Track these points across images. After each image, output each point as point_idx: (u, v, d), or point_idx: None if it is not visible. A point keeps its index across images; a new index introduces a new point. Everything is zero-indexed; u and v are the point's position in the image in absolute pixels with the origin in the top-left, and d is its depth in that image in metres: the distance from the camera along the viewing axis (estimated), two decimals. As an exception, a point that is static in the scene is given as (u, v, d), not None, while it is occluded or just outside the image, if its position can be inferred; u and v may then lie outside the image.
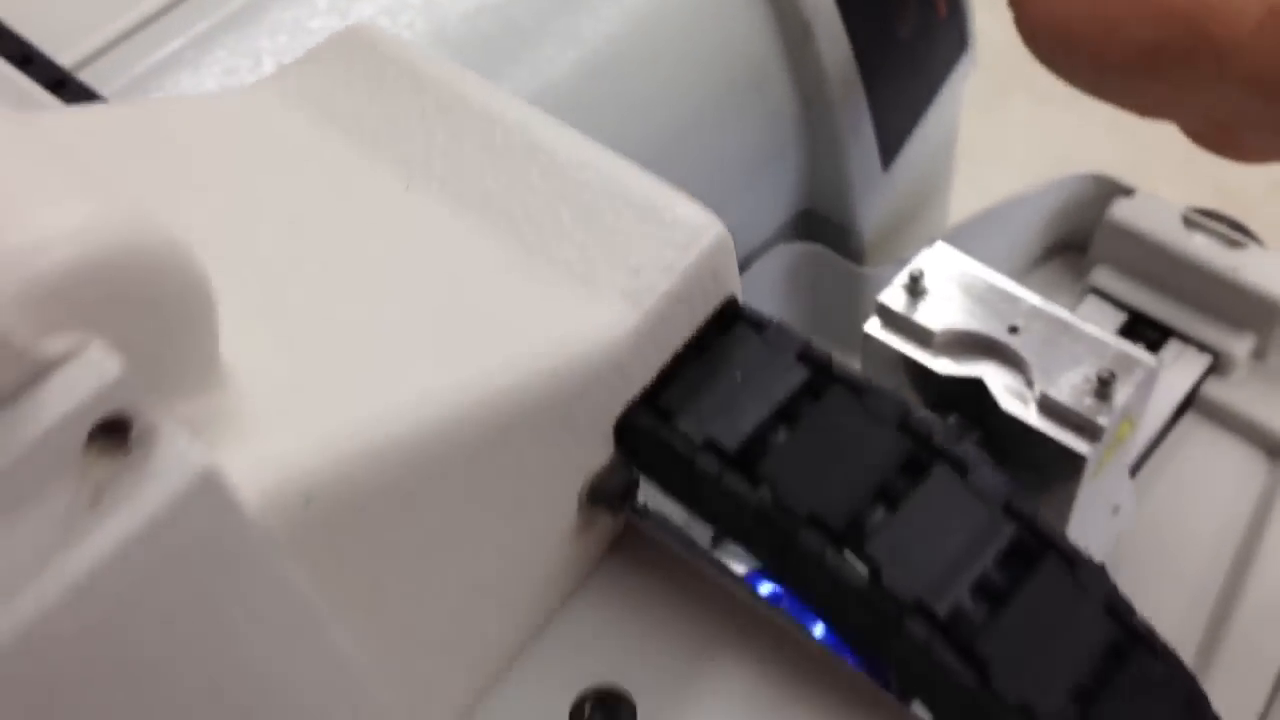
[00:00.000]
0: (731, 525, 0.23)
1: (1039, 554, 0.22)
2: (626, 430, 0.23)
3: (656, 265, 0.22)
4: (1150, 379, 0.34)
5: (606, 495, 0.23)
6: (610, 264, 0.22)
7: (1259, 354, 0.55)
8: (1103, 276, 0.56)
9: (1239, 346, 0.54)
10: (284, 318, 0.20)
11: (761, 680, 0.24)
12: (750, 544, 0.23)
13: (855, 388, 0.23)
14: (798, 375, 0.23)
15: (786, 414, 0.23)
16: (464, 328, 0.21)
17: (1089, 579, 0.22)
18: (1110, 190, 0.57)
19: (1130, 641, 0.22)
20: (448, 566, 0.21)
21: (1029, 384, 0.39)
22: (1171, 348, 0.55)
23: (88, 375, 0.15)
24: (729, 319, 0.24)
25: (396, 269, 0.21)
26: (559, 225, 0.23)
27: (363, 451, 0.18)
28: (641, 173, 0.23)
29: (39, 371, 0.15)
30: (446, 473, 0.20)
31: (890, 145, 0.50)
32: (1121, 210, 0.55)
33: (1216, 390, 0.55)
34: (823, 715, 0.23)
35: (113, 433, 0.16)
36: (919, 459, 0.23)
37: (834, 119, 0.46)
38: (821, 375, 0.23)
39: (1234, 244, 0.56)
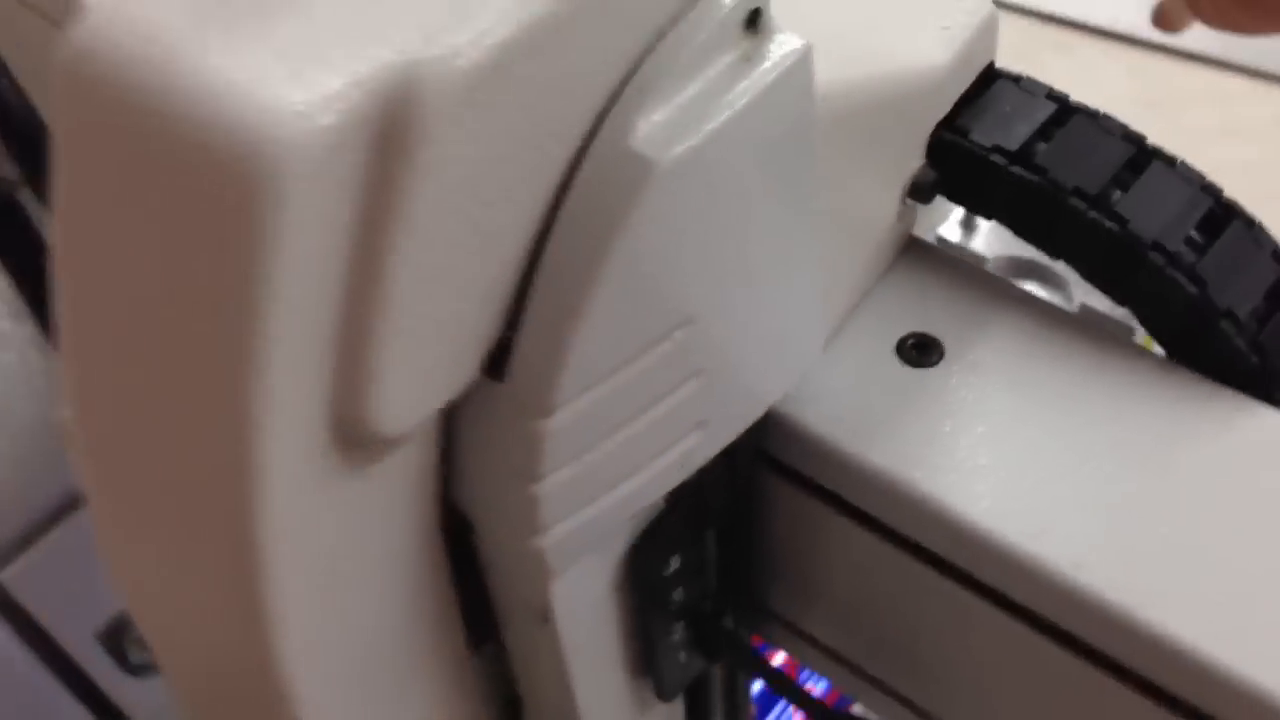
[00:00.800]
0: (1012, 208, 0.35)
1: (1229, 218, 0.35)
2: (936, 142, 0.35)
3: (959, 24, 0.35)
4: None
5: (921, 190, 0.35)
6: (926, 22, 0.35)
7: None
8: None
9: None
10: None
11: (1038, 328, 0.36)
12: (1026, 222, 0.35)
13: (1091, 113, 0.36)
14: (1049, 108, 0.36)
15: (1044, 133, 0.36)
16: (849, 41, 0.33)
17: (1262, 237, 0.35)
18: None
19: (1292, 282, 0.35)
20: (846, 201, 0.33)
21: (1069, 299, 0.53)
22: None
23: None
24: (992, 76, 0.36)
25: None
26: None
27: (840, 83, 0.30)
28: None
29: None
30: (849, 129, 0.32)
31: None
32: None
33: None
34: (1087, 359, 0.35)
35: (752, 22, 0.28)
36: (1139, 158, 0.35)
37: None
38: (1065, 107, 0.36)
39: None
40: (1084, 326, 0.36)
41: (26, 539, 0.65)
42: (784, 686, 0.37)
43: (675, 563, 0.34)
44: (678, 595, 0.35)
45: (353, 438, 0.26)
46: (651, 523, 0.33)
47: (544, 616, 0.32)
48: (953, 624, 0.35)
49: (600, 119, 0.26)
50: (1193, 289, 0.34)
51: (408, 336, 0.25)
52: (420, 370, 0.26)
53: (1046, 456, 0.33)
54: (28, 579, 0.65)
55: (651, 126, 0.26)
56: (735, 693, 0.42)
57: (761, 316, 0.31)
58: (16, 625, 0.65)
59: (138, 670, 0.68)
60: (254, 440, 0.24)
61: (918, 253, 0.37)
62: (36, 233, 0.29)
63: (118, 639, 0.68)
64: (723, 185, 0.27)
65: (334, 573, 0.28)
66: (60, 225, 0.25)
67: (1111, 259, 0.34)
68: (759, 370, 0.32)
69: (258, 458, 0.24)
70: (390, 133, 0.22)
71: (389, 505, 0.29)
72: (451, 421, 0.29)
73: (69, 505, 0.66)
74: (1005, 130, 0.35)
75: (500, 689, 0.37)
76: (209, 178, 0.22)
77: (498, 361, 0.28)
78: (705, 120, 0.26)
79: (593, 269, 0.26)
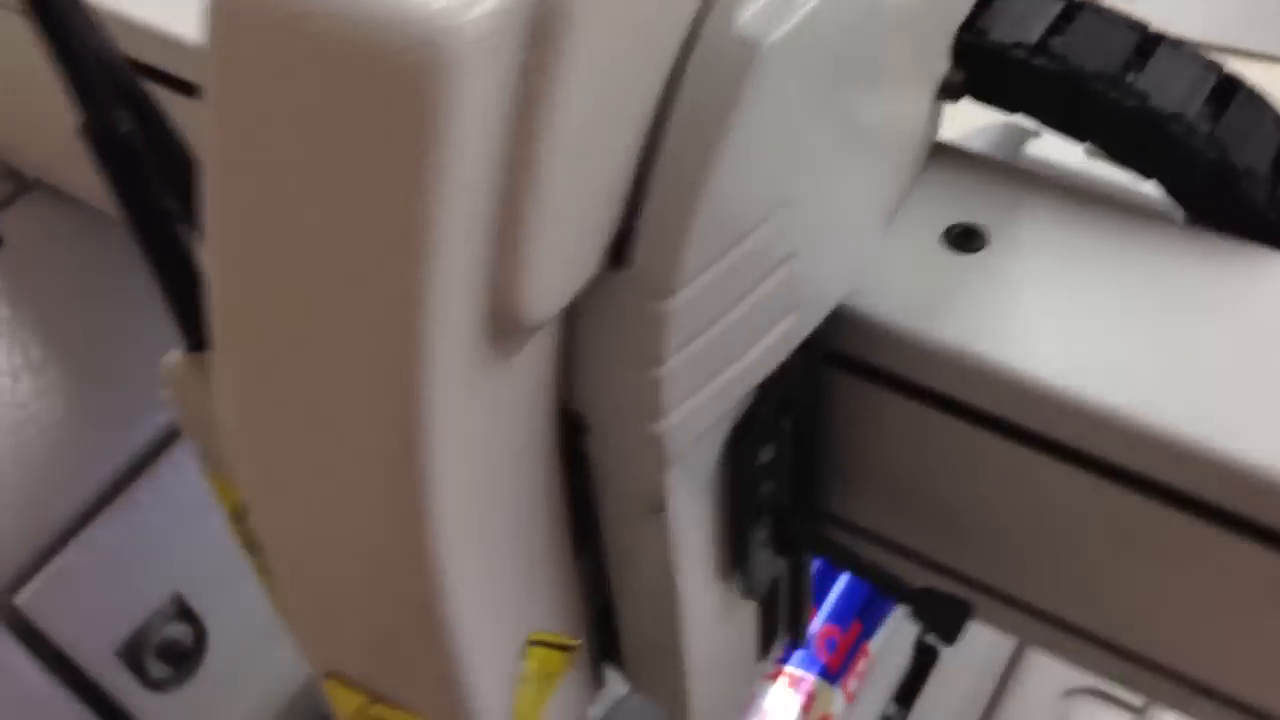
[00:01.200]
0: (1037, 97, 0.38)
1: (1233, 89, 0.38)
2: (959, 44, 0.38)
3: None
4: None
5: (951, 89, 0.38)
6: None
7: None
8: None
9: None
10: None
11: (1069, 207, 0.39)
12: (1050, 109, 0.38)
13: (1095, 7, 0.39)
14: (1057, 5, 0.39)
15: (1056, 28, 0.38)
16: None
17: (1264, 104, 0.38)
18: (1022, 134, 0.76)
19: (1297, 143, 0.38)
20: (891, 101, 0.36)
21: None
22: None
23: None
24: (1003, -20, 0.39)
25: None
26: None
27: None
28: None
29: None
30: (893, 27, 0.35)
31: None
32: (1034, 148, 0.73)
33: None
34: (1120, 228, 0.38)
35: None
36: (1146, 42, 0.38)
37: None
38: (1071, 3, 0.39)
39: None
40: (1111, 202, 0.39)
41: (39, 560, 0.65)
42: (871, 573, 0.39)
43: (766, 454, 0.36)
44: (766, 488, 0.37)
45: (501, 327, 0.28)
46: (746, 412, 0.35)
47: (657, 506, 0.34)
48: (1028, 491, 0.37)
49: (705, 8, 0.28)
50: (1213, 153, 0.37)
51: (554, 221, 0.27)
52: (563, 255, 0.28)
53: (1101, 316, 0.36)
54: (43, 600, 0.65)
55: (753, 12, 0.28)
56: (799, 593, 0.44)
57: (842, 199, 0.33)
58: (34, 648, 0.65)
59: (160, 685, 0.69)
60: (424, 329, 0.26)
61: (945, 154, 0.40)
62: (147, 169, 0.31)
63: (138, 654, 0.68)
64: (815, 67, 0.30)
65: (477, 466, 0.30)
66: (220, 143, 0.26)
67: (1135, 133, 0.37)
68: (839, 253, 0.34)
69: (426, 346, 0.26)
70: (539, 21, 0.24)
71: (519, 402, 0.31)
72: (568, 321, 0.31)
73: (80, 522, 0.67)
74: (1021, 27, 0.38)
75: (594, 598, 0.39)
76: (378, 74, 0.24)
77: (618, 251, 0.30)
78: (799, 4, 0.29)
79: (711, 149, 0.28)
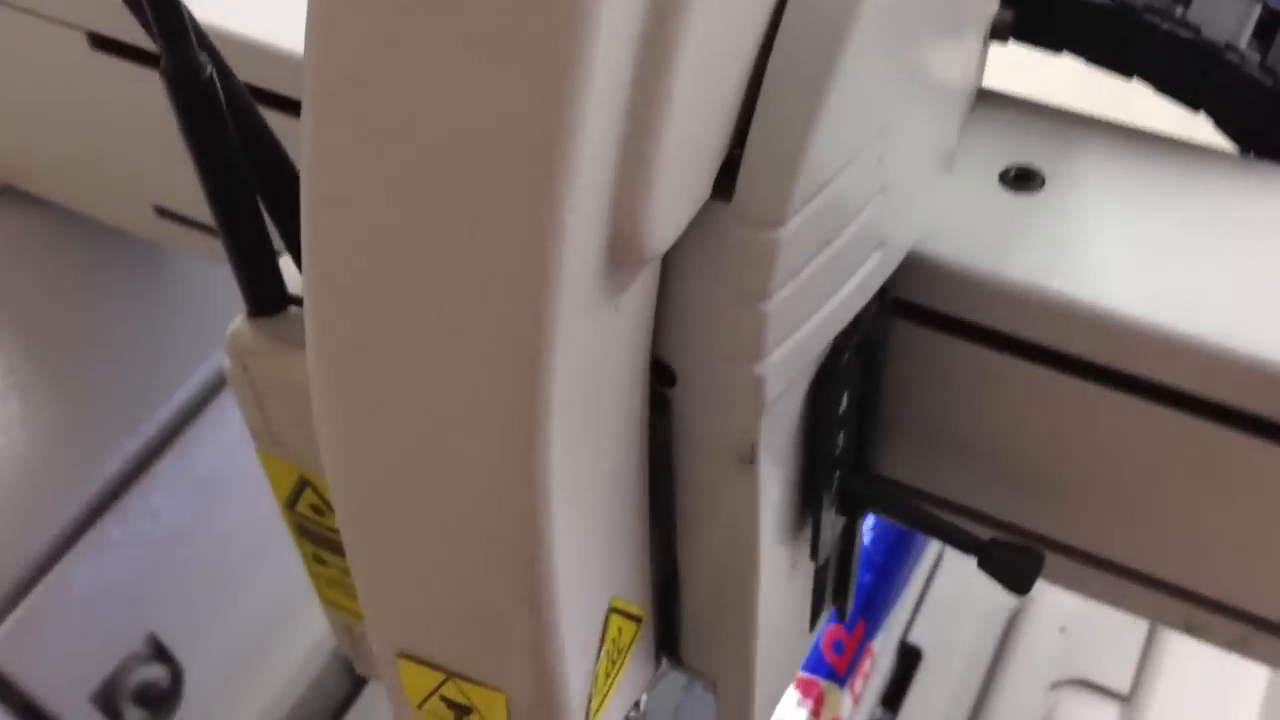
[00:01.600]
0: (1088, 34, 0.38)
1: (1279, 20, 0.38)
2: (1010, -16, 0.38)
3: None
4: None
5: (1000, 30, 0.38)
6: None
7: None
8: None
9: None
10: None
11: (1120, 144, 0.38)
12: (1101, 45, 0.38)
13: (1141, -54, 0.39)
14: (1099, -53, 0.39)
15: (1102, -33, 0.39)
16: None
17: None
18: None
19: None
20: (963, 34, 0.35)
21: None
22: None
23: None
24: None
25: None
26: None
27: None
28: None
29: None
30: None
31: None
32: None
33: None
34: (1175, 162, 0.38)
35: None
36: (1191, -21, 0.39)
37: None
38: (1115, -56, 0.39)
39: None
40: (1159, 138, 0.39)
41: (6, 604, 0.62)
42: (936, 526, 0.38)
43: (845, 402, 0.35)
44: (840, 440, 0.36)
45: (619, 256, 0.27)
46: (829, 358, 0.34)
47: (747, 457, 0.33)
48: (1106, 432, 0.37)
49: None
50: (1269, 81, 0.37)
51: (680, 138, 0.26)
52: (683, 177, 0.27)
53: (1168, 247, 0.36)
54: (12, 647, 0.62)
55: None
56: (847, 559, 0.43)
57: (923, 134, 0.33)
58: (4, 699, 0.62)
59: (135, 730, 0.66)
60: (556, 254, 0.25)
61: (987, 99, 0.40)
62: (226, 120, 0.29)
63: (113, 699, 0.65)
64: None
65: (583, 414, 0.29)
66: (343, 54, 0.25)
67: (1190, 65, 0.37)
68: (919, 190, 0.34)
69: (556, 274, 0.25)
70: None
71: (622, 348, 0.29)
72: (663, 266, 0.30)
73: (47, 563, 0.64)
74: (1074, -34, 0.38)
75: (660, 570, 0.37)
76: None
77: (722, 182, 0.28)
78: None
79: (828, 69, 0.27)
